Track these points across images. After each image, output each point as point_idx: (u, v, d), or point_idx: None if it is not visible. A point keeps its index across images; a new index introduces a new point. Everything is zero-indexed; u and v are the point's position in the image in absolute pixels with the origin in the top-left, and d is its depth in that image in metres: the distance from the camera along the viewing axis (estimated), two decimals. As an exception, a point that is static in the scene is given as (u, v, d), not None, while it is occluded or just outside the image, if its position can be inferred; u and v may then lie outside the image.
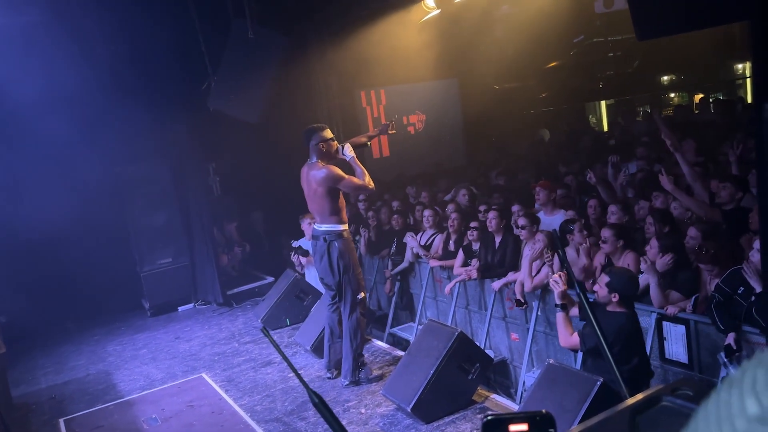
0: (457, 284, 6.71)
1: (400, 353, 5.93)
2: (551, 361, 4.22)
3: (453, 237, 7.01)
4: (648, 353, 4.75)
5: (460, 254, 6.71)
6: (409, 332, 7.42)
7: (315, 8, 8.64)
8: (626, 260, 5.08)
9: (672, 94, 16.29)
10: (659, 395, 1.62)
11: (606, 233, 5.22)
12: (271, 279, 8.81)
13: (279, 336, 7.03)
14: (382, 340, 6.94)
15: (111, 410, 5.77)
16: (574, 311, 4.49)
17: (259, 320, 7.39)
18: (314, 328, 6.40)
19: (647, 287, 4.79)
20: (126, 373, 6.72)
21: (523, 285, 5.82)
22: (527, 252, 5.94)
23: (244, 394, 5.70)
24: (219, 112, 7.59)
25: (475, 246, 6.59)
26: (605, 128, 15.24)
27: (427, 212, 7.42)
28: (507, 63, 11.43)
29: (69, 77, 6.51)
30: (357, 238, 7.88)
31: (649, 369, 4.16)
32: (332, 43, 9.50)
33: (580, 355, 4.54)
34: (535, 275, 5.68)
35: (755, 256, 4.12)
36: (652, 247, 4.90)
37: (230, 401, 5.57)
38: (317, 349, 6.19)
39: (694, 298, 4.62)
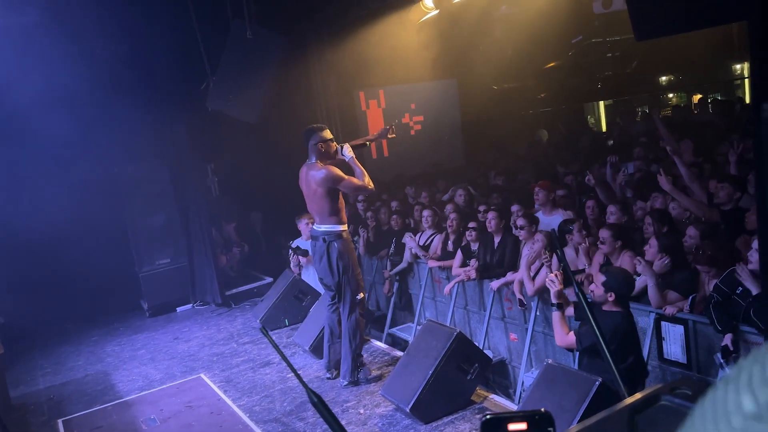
0: (456, 284, 6.71)
1: (399, 353, 5.93)
2: (550, 361, 4.22)
3: (452, 237, 7.01)
4: (646, 353, 4.77)
5: (459, 255, 6.71)
6: (407, 332, 7.42)
7: (314, 8, 8.64)
8: (624, 261, 5.08)
9: (670, 95, 16.30)
10: (658, 394, 1.62)
11: (604, 234, 5.23)
12: (269, 279, 8.80)
13: (278, 336, 7.03)
14: (380, 341, 6.95)
15: (109, 411, 5.77)
16: (570, 311, 4.50)
17: (258, 321, 7.38)
18: (313, 329, 6.40)
19: (646, 287, 4.80)
20: (124, 373, 6.71)
21: (522, 284, 5.82)
22: (526, 252, 5.95)
23: (243, 394, 5.69)
24: (218, 112, 7.59)
25: (474, 246, 6.59)
26: (604, 128, 15.25)
27: (426, 212, 7.43)
28: (506, 63, 11.44)
29: (68, 77, 6.51)
30: (356, 238, 7.87)
31: (645, 368, 4.18)
32: (331, 43, 9.50)
33: (578, 354, 4.55)
34: (534, 276, 5.69)
35: (754, 256, 4.12)
36: (652, 247, 4.90)
37: (229, 402, 5.57)
38: (316, 350, 6.19)
39: (691, 298, 4.62)
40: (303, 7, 8.48)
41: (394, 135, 5.75)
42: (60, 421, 5.69)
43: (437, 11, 9.32)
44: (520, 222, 6.03)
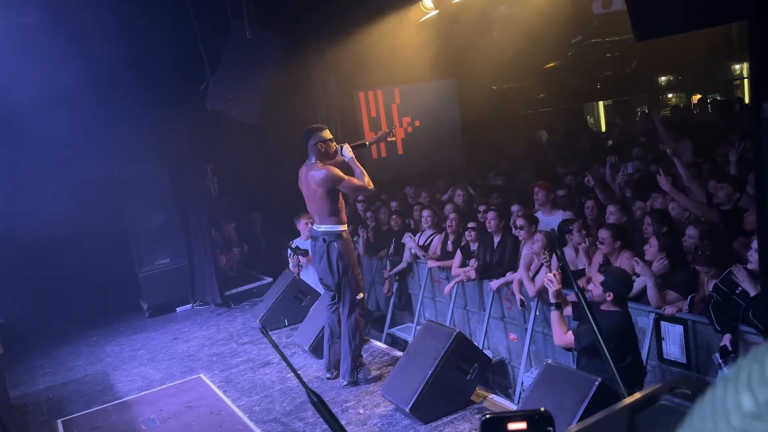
0: (456, 285, 6.71)
1: (399, 354, 5.93)
2: (549, 361, 4.23)
3: (451, 237, 7.02)
4: (646, 353, 4.77)
5: (458, 255, 6.72)
6: (407, 333, 7.43)
7: (314, 9, 8.64)
8: (623, 261, 5.09)
9: (670, 95, 16.31)
10: (657, 394, 1.63)
11: (603, 234, 5.23)
12: (269, 279, 8.80)
13: (277, 336, 7.03)
14: (380, 341, 6.95)
15: (109, 411, 5.77)
16: (568, 310, 4.52)
17: (258, 321, 7.38)
18: (313, 329, 6.40)
19: (646, 287, 4.80)
20: (124, 373, 6.71)
21: (521, 284, 5.83)
22: (526, 252, 5.96)
23: (243, 394, 5.69)
24: (217, 112, 7.59)
25: (473, 246, 6.59)
26: (603, 129, 15.27)
27: (425, 212, 7.43)
28: (505, 63, 11.45)
29: (67, 78, 6.51)
30: (355, 238, 7.87)
31: (643, 367, 4.19)
32: (331, 43, 9.51)
33: (575, 354, 4.55)
34: (534, 276, 5.69)
35: (753, 256, 4.13)
36: (652, 246, 4.90)
37: (228, 402, 5.56)
38: (315, 350, 6.19)
39: (690, 298, 4.63)
40: (302, 8, 8.47)
41: (393, 138, 5.75)
42: (59, 422, 5.69)
43: (437, 11, 9.32)
44: (520, 222, 6.04)
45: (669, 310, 4.62)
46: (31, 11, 6.41)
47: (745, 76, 14.39)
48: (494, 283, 6.19)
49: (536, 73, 13.06)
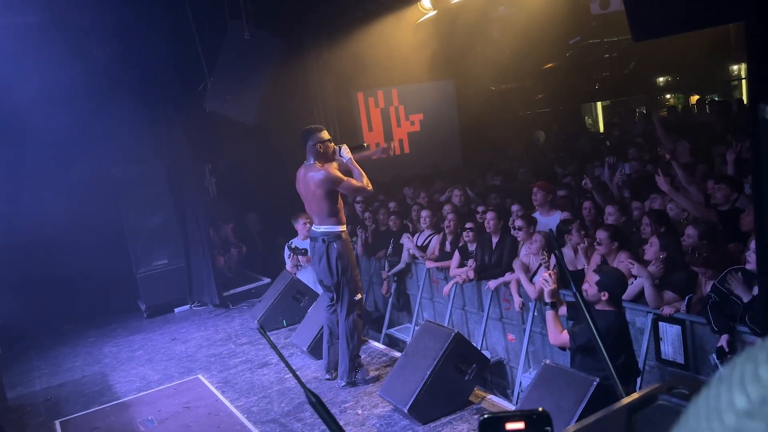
0: (454, 285, 6.71)
1: (397, 354, 5.93)
2: (548, 361, 4.23)
3: (449, 238, 7.02)
4: (644, 353, 4.78)
5: (456, 255, 6.72)
6: (405, 333, 7.42)
7: (312, 9, 8.64)
8: (620, 262, 5.09)
9: (668, 95, 16.34)
10: (655, 394, 1.63)
11: (601, 235, 5.24)
12: (267, 280, 8.79)
13: (275, 337, 7.02)
14: (378, 341, 6.94)
15: (107, 412, 5.75)
16: (563, 310, 4.54)
17: (256, 321, 7.37)
18: (311, 329, 6.40)
19: (644, 288, 4.81)
20: (122, 374, 6.70)
21: (519, 285, 5.84)
22: (524, 252, 5.97)
23: (241, 395, 5.69)
24: (215, 113, 7.59)
25: (471, 247, 6.59)
26: (601, 129, 15.29)
27: (424, 213, 7.43)
28: (503, 64, 11.47)
29: (66, 78, 6.50)
30: (354, 239, 7.87)
31: (637, 367, 4.21)
32: (329, 44, 9.51)
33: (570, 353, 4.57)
34: (532, 277, 5.70)
35: (751, 257, 4.13)
36: (652, 246, 4.91)
37: (227, 402, 5.56)
38: (314, 350, 6.19)
39: (687, 298, 4.63)
40: (300, 8, 8.47)
41: (391, 154, 5.71)
42: (57, 422, 5.67)
43: (435, 12, 9.33)
44: (518, 223, 6.04)
45: (667, 310, 4.63)
46: (30, 12, 6.41)
47: (743, 76, 14.43)
48: (492, 283, 6.20)
49: (534, 73, 13.09)
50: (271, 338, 2.64)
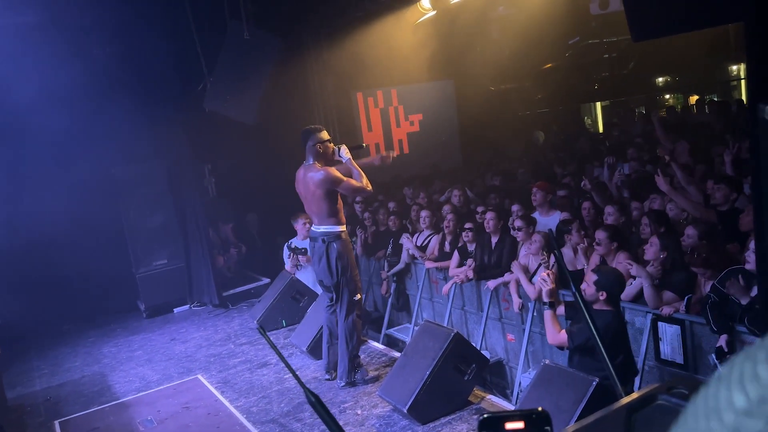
0: (454, 285, 6.71)
1: (397, 354, 5.93)
2: (547, 361, 4.23)
3: (448, 238, 7.02)
4: (643, 354, 4.78)
5: (456, 255, 6.72)
6: (405, 333, 7.43)
7: (311, 9, 8.64)
8: (619, 262, 5.09)
9: (667, 96, 16.35)
10: (655, 394, 1.63)
11: (600, 235, 5.25)
12: (267, 280, 8.79)
13: (275, 337, 7.02)
14: (378, 342, 6.94)
15: (106, 412, 5.75)
16: (561, 310, 4.55)
17: (255, 321, 7.37)
18: (310, 330, 6.40)
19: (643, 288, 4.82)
20: (121, 374, 6.69)
21: (518, 285, 5.84)
22: (523, 253, 5.97)
23: (240, 395, 5.69)
24: (215, 113, 7.58)
25: (471, 247, 6.59)
26: (600, 129, 15.30)
27: (423, 213, 7.43)
28: (503, 64, 11.47)
29: (65, 78, 6.50)
30: (353, 239, 7.87)
31: (634, 367, 4.22)
32: (328, 44, 9.50)
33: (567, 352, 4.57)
34: (532, 277, 5.70)
35: (751, 257, 4.14)
36: (653, 245, 4.91)
37: (226, 403, 5.56)
38: (313, 351, 6.19)
39: (687, 298, 4.64)
40: (300, 8, 8.48)
41: (389, 162, 5.70)
42: (57, 423, 5.67)
43: (434, 12, 9.33)
44: (518, 224, 6.05)
45: (666, 310, 4.64)
46: (30, 12, 6.41)
47: (743, 76, 14.44)
48: (491, 283, 6.20)
49: (534, 73, 13.09)
50: (271, 338, 2.64)
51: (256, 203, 10.05)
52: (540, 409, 0.97)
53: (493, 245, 6.40)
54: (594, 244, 5.35)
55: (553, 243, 4.26)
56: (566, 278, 3.91)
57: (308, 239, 5.65)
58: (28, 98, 6.31)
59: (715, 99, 12.97)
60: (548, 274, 4.31)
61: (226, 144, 8.85)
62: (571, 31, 11.98)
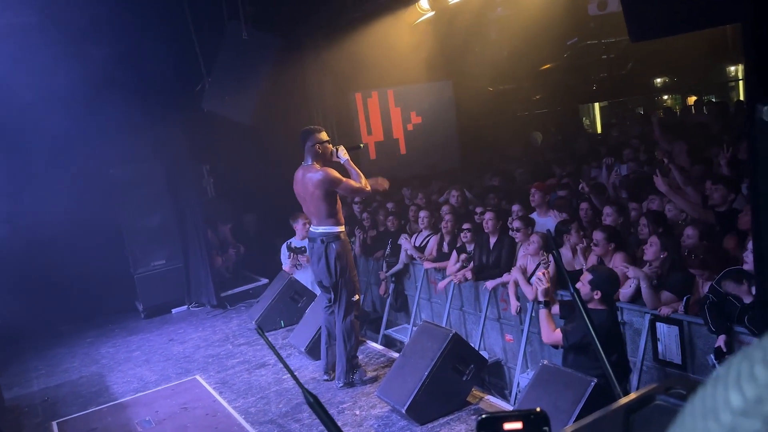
0: (452, 286, 6.71)
1: (395, 355, 5.93)
2: (545, 362, 4.24)
3: (447, 238, 7.02)
4: (641, 354, 4.79)
5: (454, 255, 6.72)
6: (403, 334, 7.43)
7: (310, 10, 8.64)
8: (616, 263, 5.10)
9: (665, 96, 16.37)
10: (653, 394, 1.63)
11: (598, 236, 5.25)
12: (265, 281, 8.79)
13: (273, 338, 7.01)
14: (376, 342, 6.94)
15: (104, 412, 5.75)
16: (556, 309, 4.56)
17: (254, 322, 7.37)
18: (309, 330, 6.39)
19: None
20: (119, 375, 6.69)
21: (517, 286, 5.84)
22: (522, 253, 5.97)
23: (239, 396, 5.68)
24: (213, 113, 7.58)
25: (469, 247, 6.60)
26: (599, 130, 15.31)
27: (422, 213, 7.43)
28: (501, 65, 11.47)
29: (64, 78, 6.50)
30: (352, 239, 7.87)
31: (628, 365, 4.24)
32: (327, 44, 9.50)
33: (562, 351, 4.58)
34: (530, 278, 5.70)
35: (749, 257, 4.14)
36: (652, 245, 4.91)
37: (224, 403, 5.55)
38: (312, 351, 6.18)
39: (685, 299, 4.64)
40: (299, 9, 8.48)
41: (382, 189, 5.75)
42: (54, 423, 5.67)
43: (433, 13, 9.32)
44: (516, 224, 6.05)
45: (664, 311, 4.64)
46: (29, 12, 6.40)
47: (741, 77, 14.46)
48: (490, 283, 6.20)
49: (532, 74, 13.10)
50: (269, 339, 2.64)
51: (255, 204, 10.04)
52: (538, 409, 0.97)
53: (492, 246, 6.41)
54: (591, 244, 5.35)
55: (551, 243, 4.28)
56: (564, 278, 3.91)
57: (307, 239, 5.65)
58: (27, 99, 6.31)
59: (713, 100, 12.99)
60: (544, 274, 4.32)
61: (225, 144, 8.84)
62: (569, 32, 11.98)
